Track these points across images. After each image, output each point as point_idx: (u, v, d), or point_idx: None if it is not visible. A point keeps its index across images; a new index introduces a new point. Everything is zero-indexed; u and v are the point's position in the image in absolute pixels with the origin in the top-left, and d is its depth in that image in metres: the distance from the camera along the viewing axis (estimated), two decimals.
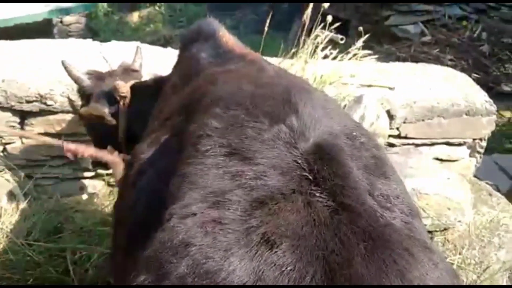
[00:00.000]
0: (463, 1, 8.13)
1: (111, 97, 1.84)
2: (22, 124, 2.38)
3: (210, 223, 0.79)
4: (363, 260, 0.75)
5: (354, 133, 0.91)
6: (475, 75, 6.89)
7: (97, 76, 1.95)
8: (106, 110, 1.86)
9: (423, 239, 0.90)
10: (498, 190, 3.47)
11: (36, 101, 2.29)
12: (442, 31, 7.63)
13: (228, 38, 1.41)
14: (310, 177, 0.82)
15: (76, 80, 1.90)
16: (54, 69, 2.47)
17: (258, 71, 1.17)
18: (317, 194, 0.82)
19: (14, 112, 2.34)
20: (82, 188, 2.68)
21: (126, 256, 1.06)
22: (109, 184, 2.76)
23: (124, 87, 1.79)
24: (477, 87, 3.22)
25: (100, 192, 2.74)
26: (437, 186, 2.17)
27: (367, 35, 2.96)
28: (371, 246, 0.78)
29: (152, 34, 7.77)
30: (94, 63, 2.69)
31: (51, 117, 2.38)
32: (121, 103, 1.81)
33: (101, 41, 3.26)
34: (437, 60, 6.88)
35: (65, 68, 1.87)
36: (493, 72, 7.25)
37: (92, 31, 7.64)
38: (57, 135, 2.44)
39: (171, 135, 1.10)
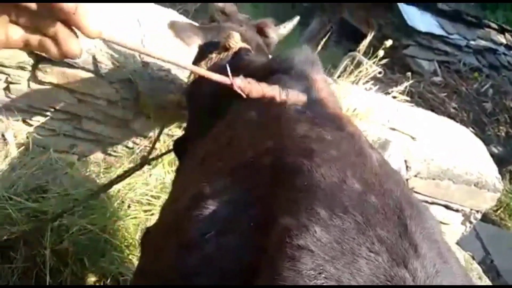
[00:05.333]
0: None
1: (216, 37, 1.65)
2: (34, 67, 2.15)
3: None
4: None
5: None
6: (472, 129, 6.98)
7: (230, 12, 1.80)
8: (198, 40, 1.66)
9: None
10: (473, 258, 3.53)
11: None
12: (454, 76, 7.65)
13: (321, 85, 1.23)
14: None
15: None
16: None
17: (359, 155, 0.97)
18: None
19: (30, 53, 2.11)
20: (77, 149, 2.49)
21: None
22: (105, 152, 2.58)
23: (237, 41, 1.56)
24: (491, 161, 3.22)
25: (93, 157, 2.56)
26: None
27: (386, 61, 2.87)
28: None
29: None
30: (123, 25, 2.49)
31: (68, 70, 2.16)
32: (219, 52, 1.60)
33: None
34: (442, 105, 6.91)
35: None
36: (488, 131, 7.37)
37: None
38: (69, 90, 2.24)
39: (248, 200, 0.89)
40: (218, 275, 0.80)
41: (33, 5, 0.55)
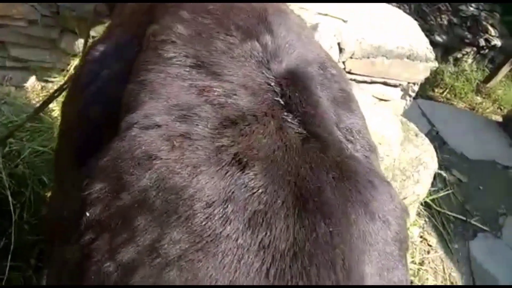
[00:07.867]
0: None
1: None
2: None
3: (177, 137, 0.74)
4: (331, 189, 0.78)
5: (326, 64, 0.90)
6: (414, 20, 7.11)
7: None
8: None
9: (381, 173, 0.96)
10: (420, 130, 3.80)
11: None
12: None
13: None
14: (282, 102, 0.81)
15: None
16: None
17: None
18: (289, 120, 0.80)
19: None
20: (10, 79, 2.46)
21: (74, 167, 0.95)
22: (40, 79, 2.55)
23: None
24: (422, 34, 3.36)
25: (29, 85, 2.53)
26: (374, 123, 2.30)
27: None
28: (339, 176, 0.80)
29: None
30: None
31: None
32: None
33: None
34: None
35: None
36: (430, 21, 7.52)
37: None
38: None
39: (132, 35, 0.98)
40: (109, 102, 0.90)
41: None
